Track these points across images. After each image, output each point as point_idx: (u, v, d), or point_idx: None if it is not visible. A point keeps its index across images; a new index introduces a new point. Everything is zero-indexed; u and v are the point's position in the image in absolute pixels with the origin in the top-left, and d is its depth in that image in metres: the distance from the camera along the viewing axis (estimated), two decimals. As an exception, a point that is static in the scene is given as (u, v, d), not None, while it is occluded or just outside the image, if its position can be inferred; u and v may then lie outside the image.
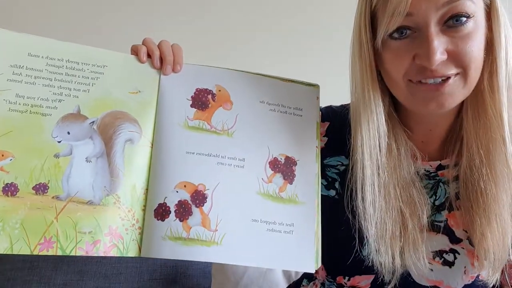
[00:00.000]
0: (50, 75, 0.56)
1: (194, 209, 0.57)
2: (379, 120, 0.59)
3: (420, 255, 0.59)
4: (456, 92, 0.55)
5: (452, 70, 0.53)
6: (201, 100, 0.61)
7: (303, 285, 0.79)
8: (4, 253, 0.48)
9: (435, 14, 0.51)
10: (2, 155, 0.51)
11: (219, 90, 0.62)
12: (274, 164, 0.62)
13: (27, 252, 0.49)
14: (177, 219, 0.56)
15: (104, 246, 0.53)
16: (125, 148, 0.57)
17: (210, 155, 0.59)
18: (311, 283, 0.76)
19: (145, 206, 0.56)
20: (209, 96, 0.62)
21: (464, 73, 0.54)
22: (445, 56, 0.52)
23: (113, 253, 0.53)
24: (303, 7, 1.44)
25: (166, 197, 0.57)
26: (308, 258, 0.59)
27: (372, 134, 0.58)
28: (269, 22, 1.44)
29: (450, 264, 0.61)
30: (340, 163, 0.68)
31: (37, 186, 0.52)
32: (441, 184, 0.63)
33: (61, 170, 0.53)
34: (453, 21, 0.52)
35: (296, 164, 0.62)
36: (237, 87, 0.63)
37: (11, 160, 0.51)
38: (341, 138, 0.66)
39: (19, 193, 0.51)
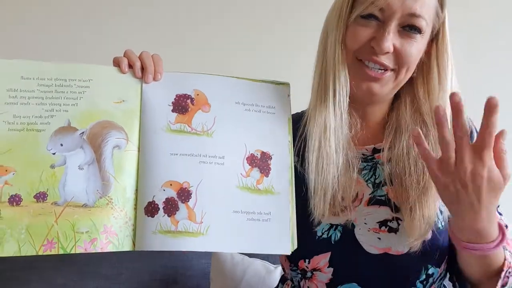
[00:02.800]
0: (42, 94, 0.62)
1: (181, 204, 0.62)
2: (344, 80, 0.67)
3: (347, 202, 0.68)
4: (387, 86, 0.68)
5: (391, 64, 0.66)
6: (181, 105, 0.66)
7: None
8: (14, 255, 0.55)
9: (399, 18, 0.64)
10: (6, 171, 0.58)
11: (197, 94, 0.67)
12: (251, 160, 0.66)
13: (33, 253, 0.56)
14: (166, 214, 0.62)
15: (101, 243, 0.59)
16: (114, 154, 0.62)
17: (193, 155, 0.64)
18: (284, 285, 0.81)
19: (136, 205, 0.62)
20: (188, 101, 0.66)
21: (397, 71, 0.67)
22: (391, 49, 0.65)
23: (110, 248, 0.60)
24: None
25: (154, 196, 0.62)
26: (284, 242, 0.64)
27: (338, 90, 0.67)
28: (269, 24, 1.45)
29: (395, 230, 0.68)
30: None
31: (38, 195, 0.58)
32: (378, 165, 0.72)
33: (57, 179, 0.59)
34: (408, 29, 0.65)
35: (271, 158, 0.67)
36: (213, 90, 0.68)
37: (13, 174, 0.58)
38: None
39: (22, 202, 0.58)
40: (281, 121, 0.69)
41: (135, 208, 0.62)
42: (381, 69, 0.66)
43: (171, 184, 0.63)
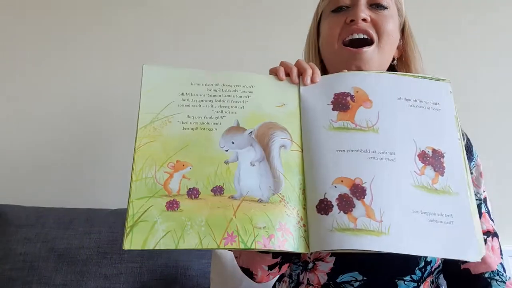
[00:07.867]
0: (211, 98, 0.64)
1: (356, 201, 0.58)
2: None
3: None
4: (372, 60, 0.73)
5: (373, 33, 0.73)
6: (341, 103, 0.65)
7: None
8: (195, 248, 0.53)
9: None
10: (183, 165, 0.58)
11: (357, 91, 0.66)
12: (423, 157, 0.61)
13: (214, 247, 0.53)
14: (341, 211, 0.57)
15: (278, 240, 0.55)
16: (281, 153, 0.61)
17: (361, 151, 0.61)
18: (281, 282, 0.83)
19: (305, 204, 0.59)
20: (348, 98, 0.65)
21: (379, 43, 0.73)
22: (368, 18, 0.73)
23: (286, 247, 0.55)
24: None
25: (326, 193, 0.58)
26: (472, 247, 0.56)
27: None
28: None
29: None
30: None
31: (215, 188, 0.57)
32: None
33: (231, 174, 0.58)
34: (375, 6, 0.75)
35: (443, 157, 0.62)
36: (373, 86, 0.66)
37: (190, 168, 0.58)
38: None
39: (200, 195, 0.57)
40: (448, 118, 0.65)
41: (305, 208, 0.59)
42: (365, 38, 0.72)
43: (342, 181, 0.59)
